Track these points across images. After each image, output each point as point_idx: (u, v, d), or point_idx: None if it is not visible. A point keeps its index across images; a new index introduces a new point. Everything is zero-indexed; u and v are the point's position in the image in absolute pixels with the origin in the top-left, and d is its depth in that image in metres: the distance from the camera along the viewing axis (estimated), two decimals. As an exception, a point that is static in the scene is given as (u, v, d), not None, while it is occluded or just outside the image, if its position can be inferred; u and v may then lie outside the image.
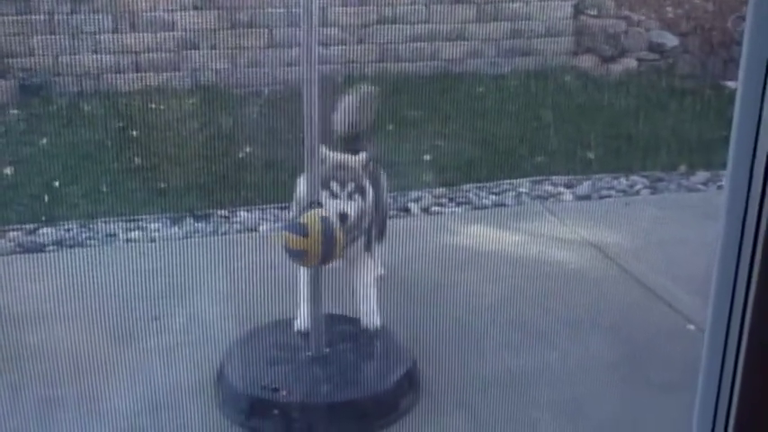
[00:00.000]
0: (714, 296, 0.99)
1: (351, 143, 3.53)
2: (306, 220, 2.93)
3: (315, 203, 3.02)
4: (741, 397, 0.96)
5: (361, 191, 3.27)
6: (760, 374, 0.96)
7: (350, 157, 3.31)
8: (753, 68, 0.90)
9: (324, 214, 2.96)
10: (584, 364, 3.41)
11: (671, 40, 7.29)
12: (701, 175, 5.37)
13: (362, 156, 3.33)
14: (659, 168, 5.45)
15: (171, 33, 6.18)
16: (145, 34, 6.15)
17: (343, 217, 3.14)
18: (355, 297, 3.43)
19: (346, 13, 6.56)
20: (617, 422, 3.02)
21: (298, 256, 2.97)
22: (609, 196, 5.20)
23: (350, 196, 3.23)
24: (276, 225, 4.49)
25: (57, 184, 4.77)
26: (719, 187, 5.26)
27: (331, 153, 3.26)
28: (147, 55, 6.16)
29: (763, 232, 0.90)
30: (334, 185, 3.21)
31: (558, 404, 3.17)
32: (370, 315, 3.39)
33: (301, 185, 3.18)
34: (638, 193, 5.25)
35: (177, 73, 6.17)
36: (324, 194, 3.17)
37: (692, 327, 3.57)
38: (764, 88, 0.89)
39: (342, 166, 3.26)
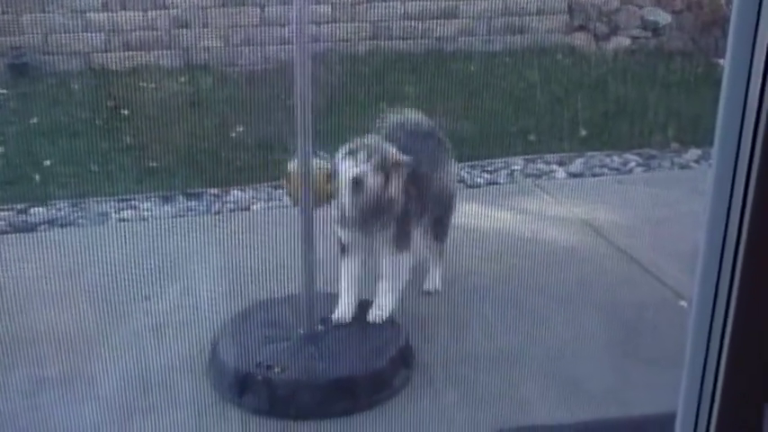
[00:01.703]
0: (701, 272, 0.99)
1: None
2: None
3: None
4: (727, 371, 0.97)
5: (386, 174, 3.18)
6: (746, 349, 0.96)
7: (391, 148, 3.26)
8: (739, 46, 0.90)
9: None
10: (577, 340, 3.43)
11: (664, 18, 7.27)
12: (693, 152, 5.37)
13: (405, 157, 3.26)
14: (652, 146, 5.45)
15: (162, 11, 6.14)
16: (135, 12, 6.11)
17: (357, 181, 3.14)
18: (376, 286, 3.40)
19: (338, -10, 6.53)
20: (609, 398, 3.03)
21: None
22: (601, 174, 5.20)
23: (375, 169, 3.15)
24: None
25: (47, 163, 4.75)
26: (711, 165, 5.26)
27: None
28: (137, 33, 6.12)
29: (749, 210, 0.91)
30: (362, 154, 3.17)
31: (550, 380, 3.18)
32: (381, 308, 3.37)
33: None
34: (630, 170, 5.25)
35: (168, 51, 6.13)
36: (348, 162, 3.18)
37: (683, 303, 3.58)
38: (750, 66, 0.89)
39: (376, 146, 3.23)
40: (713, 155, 1.00)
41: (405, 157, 3.25)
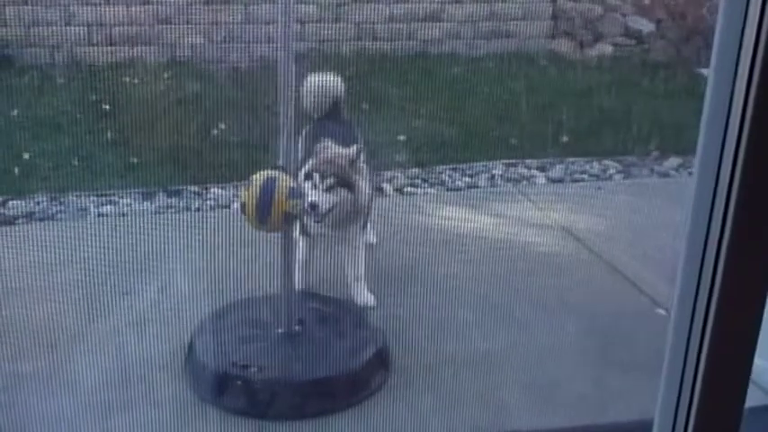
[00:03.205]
0: (681, 280, 1.00)
1: (328, 117, 3.71)
2: (254, 175, 3.00)
3: (279, 167, 3.09)
4: (705, 379, 0.97)
5: (347, 184, 3.38)
6: (724, 357, 0.97)
7: (340, 150, 3.41)
8: (724, 56, 0.91)
9: (273, 175, 3.00)
10: (554, 345, 3.44)
11: (647, 26, 7.32)
12: (673, 160, 5.41)
13: (354, 149, 3.42)
14: (632, 153, 5.48)
15: (145, 7, 6.10)
16: (119, 7, 6.08)
17: (312, 206, 3.28)
18: (347, 276, 3.62)
19: (323, -10, 6.52)
20: (584, 403, 3.04)
21: (241, 208, 3.04)
22: (581, 180, 5.22)
23: (329, 189, 3.35)
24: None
25: (27, 156, 4.72)
26: (691, 173, 5.29)
27: (326, 146, 3.39)
28: (120, 28, 6.09)
29: (731, 220, 0.91)
30: (317, 177, 3.34)
31: (527, 385, 3.19)
32: (364, 294, 3.59)
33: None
34: (610, 177, 5.28)
35: (151, 47, 6.10)
36: (308, 184, 3.32)
37: (661, 311, 3.60)
38: (735, 75, 0.90)
39: (330, 159, 3.38)
40: (695, 164, 1.00)
41: (351, 150, 3.42)
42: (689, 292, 0.97)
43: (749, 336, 0.94)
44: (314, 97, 3.73)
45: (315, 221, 3.39)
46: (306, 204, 3.25)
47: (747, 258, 0.93)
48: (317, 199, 3.30)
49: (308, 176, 3.36)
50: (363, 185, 3.46)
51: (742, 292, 0.94)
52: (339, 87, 3.80)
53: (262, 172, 3.02)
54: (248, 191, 2.97)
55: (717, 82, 0.93)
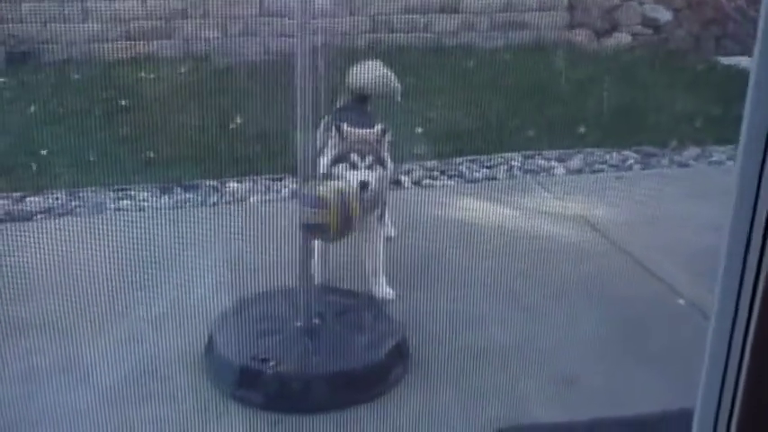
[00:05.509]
0: (722, 279, 0.96)
1: (357, 105, 3.79)
2: (324, 192, 2.98)
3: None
4: (747, 382, 0.95)
5: (381, 162, 3.40)
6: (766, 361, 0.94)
7: (368, 130, 3.43)
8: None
9: (340, 187, 3.05)
10: (574, 336, 3.42)
11: (664, 15, 7.26)
12: (693, 150, 5.36)
13: (378, 128, 3.43)
14: (651, 143, 5.44)
15: (161, 2, 6.11)
16: (135, 2, 6.09)
17: (363, 185, 3.28)
18: (366, 269, 3.61)
19: (338, -17, 6.51)
20: (605, 394, 3.02)
21: (316, 229, 3.05)
22: (601, 171, 5.19)
23: (370, 167, 3.35)
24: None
25: (44, 152, 4.73)
26: (710, 163, 5.27)
27: (350, 128, 3.39)
28: (137, 23, 6.10)
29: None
30: (354, 157, 3.33)
31: (547, 376, 3.17)
32: (383, 287, 3.59)
33: (323, 161, 3.35)
34: (629, 167, 5.25)
35: (168, 42, 6.11)
36: (342, 166, 3.33)
37: (681, 301, 3.57)
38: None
39: (361, 139, 3.38)
40: (737, 156, 0.96)
41: (377, 128, 3.43)
42: (731, 289, 0.94)
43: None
44: (363, 83, 3.82)
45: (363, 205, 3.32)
46: (355, 184, 3.25)
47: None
48: (365, 177, 3.32)
49: (341, 159, 3.35)
50: (391, 164, 3.49)
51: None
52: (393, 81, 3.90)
53: (326, 187, 3.02)
54: (328, 210, 2.95)
55: (762, 67, 0.89)
